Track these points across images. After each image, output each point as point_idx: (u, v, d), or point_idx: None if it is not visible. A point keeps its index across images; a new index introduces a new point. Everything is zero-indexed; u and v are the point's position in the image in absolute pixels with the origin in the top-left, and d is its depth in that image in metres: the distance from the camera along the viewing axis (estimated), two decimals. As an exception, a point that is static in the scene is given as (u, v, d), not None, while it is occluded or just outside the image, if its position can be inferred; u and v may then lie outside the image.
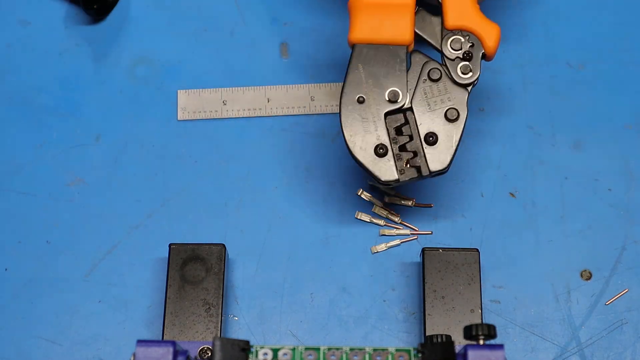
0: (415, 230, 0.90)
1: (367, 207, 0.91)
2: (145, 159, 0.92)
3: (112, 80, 0.95)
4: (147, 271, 0.88)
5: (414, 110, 0.81)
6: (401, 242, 0.89)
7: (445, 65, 0.81)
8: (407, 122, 0.81)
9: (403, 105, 0.81)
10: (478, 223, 0.90)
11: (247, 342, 0.74)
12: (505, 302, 0.88)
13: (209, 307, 0.83)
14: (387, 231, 0.90)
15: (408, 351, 0.75)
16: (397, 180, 0.81)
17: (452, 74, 0.81)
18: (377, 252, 0.89)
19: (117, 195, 0.91)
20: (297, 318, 0.87)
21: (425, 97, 0.81)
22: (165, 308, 0.83)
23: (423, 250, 0.85)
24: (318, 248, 0.89)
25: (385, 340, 0.86)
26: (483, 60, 0.82)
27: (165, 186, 0.91)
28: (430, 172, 0.81)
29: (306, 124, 0.93)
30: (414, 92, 0.81)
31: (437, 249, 0.85)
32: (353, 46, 0.82)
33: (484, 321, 0.85)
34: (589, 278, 0.88)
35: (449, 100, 0.81)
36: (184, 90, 0.94)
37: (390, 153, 0.81)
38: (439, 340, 0.75)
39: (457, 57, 0.81)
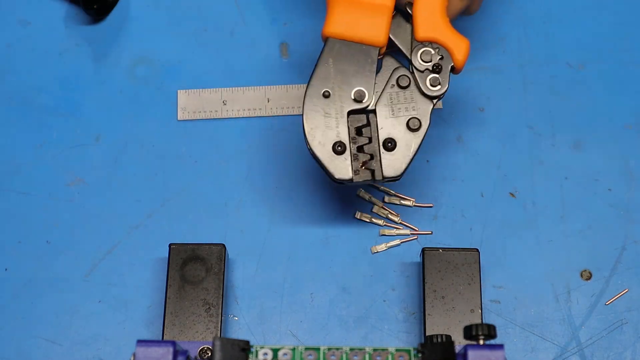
0: (415, 230, 0.90)
1: (367, 207, 0.91)
2: (145, 159, 0.92)
3: (112, 80, 0.95)
4: (147, 271, 0.88)
5: (377, 114, 0.81)
6: (401, 242, 0.89)
7: (414, 76, 0.81)
8: (368, 124, 0.81)
9: (367, 106, 0.81)
10: (478, 223, 0.90)
11: (247, 342, 0.74)
12: (505, 302, 0.87)
13: (209, 307, 0.83)
14: (387, 231, 0.90)
15: (408, 351, 0.75)
16: (350, 180, 0.80)
17: (420, 85, 0.81)
18: (377, 252, 0.89)
19: (117, 195, 0.91)
20: (297, 318, 0.87)
21: (391, 102, 0.81)
22: (165, 308, 0.83)
23: (423, 250, 0.85)
24: (318, 248, 0.89)
25: (385, 340, 0.86)
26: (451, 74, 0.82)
27: (165, 186, 0.91)
28: (383, 177, 0.81)
29: (306, 124, 0.93)
30: (380, 95, 0.81)
31: (437, 249, 0.85)
32: (326, 39, 0.81)
33: (484, 321, 0.85)
34: (589, 278, 0.88)
35: (413, 110, 0.81)
36: (184, 90, 0.94)
37: (347, 152, 0.80)
38: (439, 340, 0.75)
39: (427, 69, 0.81)
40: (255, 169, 0.92)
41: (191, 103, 0.94)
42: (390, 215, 0.90)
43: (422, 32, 0.81)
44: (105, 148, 0.92)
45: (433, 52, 0.81)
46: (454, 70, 0.81)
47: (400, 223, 0.90)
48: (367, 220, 0.90)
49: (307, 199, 0.91)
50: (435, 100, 0.81)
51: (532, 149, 0.92)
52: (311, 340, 0.86)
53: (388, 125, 0.81)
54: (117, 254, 0.89)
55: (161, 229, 0.90)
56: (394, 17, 0.81)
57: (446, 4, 0.81)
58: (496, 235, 0.90)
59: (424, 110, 0.81)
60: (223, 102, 0.94)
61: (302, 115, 0.80)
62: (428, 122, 0.81)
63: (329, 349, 0.74)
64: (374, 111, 0.81)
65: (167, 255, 0.85)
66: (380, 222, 0.90)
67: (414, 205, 0.91)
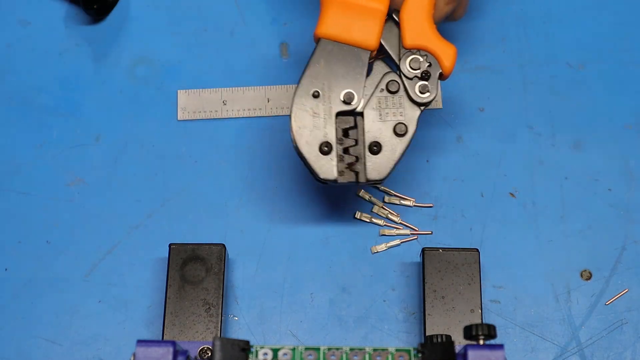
0: (415, 230, 0.90)
1: (367, 207, 0.91)
2: (145, 159, 0.92)
3: (112, 80, 0.95)
4: (147, 271, 0.88)
5: (365, 117, 0.81)
6: (401, 242, 0.89)
7: (403, 82, 0.82)
8: (355, 126, 0.82)
9: (356, 108, 0.81)
10: (478, 223, 0.90)
11: (247, 342, 0.74)
12: (505, 302, 0.88)
13: (209, 307, 0.83)
14: (387, 231, 0.90)
15: (408, 351, 0.75)
16: (334, 181, 0.81)
17: (410, 92, 0.82)
18: (377, 252, 0.89)
19: (117, 195, 0.91)
20: (297, 318, 0.87)
21: (379, 106, 0.82)
22: (165, 308, 0.83)
23: (423, 250, 0.85)
24: (318, 248, 0.89)
25: (385, 340, 0.86)
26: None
27: (165, 186, 0.91)
28: (367, 180, 0.81)
29: (306, 124, 0.93)
30: (369, 98, 0.82)
31: (437, 249, 0.85)
32: (318, 40, 0.82)
33: (484, 321, 0.85)
34: (589, 278, 0.88)
35: (401, 115, 0.82)
36: (184, 90, 0.94)
37: (334, 152, 0.81)
38: (439, 340, 0.75)
39: (416, 76, 0.82)
40: (255, 169, 0.92)
41: (191, 103, 0.94)
42: (390, 215, 0.90)
43: (409, 40, 0.82)
44: (105, 148, 0.92)
45: (421, 59, 0.82)
46: (441, 76, 0.82)
47: (400, 223, 0.90)
48: (367, 220, 0.90)
49: (307, 199, 0.91)
50: (422, 107, 0.82)
51: (532, 149, 0.92)
52: (311, 340, 0.86)
53: (375, 128, 0.81)
54: (117, 254, 0.89)
55: (161, 229, 0.90)
56: (385, 22, 0.82)
57: (433, 11, 0.82)
58: (496, 235, 0.90)
59: (411, 116, 0.82)
60: (223, 102, 0.94)
61: (290, 114, 0.81)
62: (414, 128, 0.82)
63: (329, 349, 0.74)
64: (361, 114, 0.82)
65: (167, 255, 0.85)
66: (380, 222, 0.90)
67: (414, 205, 0.91)
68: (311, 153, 0.81)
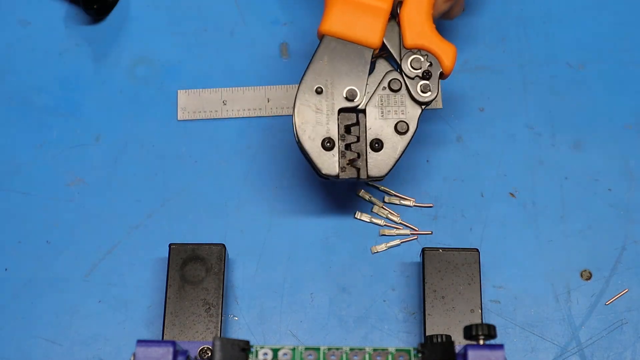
0: (415, 230, 0.90)
1: (367, 207, 0.91)
2: (145, 159, 0.92)
3: (112, 80, 0.95)
4: (147, 271, 0.88)
5: (367, 114, 0.82)
6: (401, 242, 0.89)
7: (405, 82, 0.82)
8: (357, 123, 0.82)
9: (358, 105, 0.82)
10: (478, 223, 0.90)
11: (247, 342, 0.74)
12: (505, 302, 0.88)
13: (209, 307, 0.83)
14: (387, 231, 0.90)
15: (408, 351, 0.75)
16: (336, 176, 0.82)
17: (411, 91, 0.82)
18: (377, 252, 0.89)
19: (117, 195, 0.91)
20: (297, 318, 0.87)
21: (381, 104, 0.82)
22: (165, 308, 0.83)
23: (423, 250, 0.85)
24: (318, 248, 0.89)
25: (385, 340, 0.86)
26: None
27: (165, 186, 0.91)
28: (368, 176, 0.82)
29: (306, 124, 0.93)
30: (371, 96, 0.82)
31: (437, 249, 0.85)
32: (322, 37, 0.82)
33: (484, 321, 0.85)
34: (589, 278, 0.88)
35: (402, 114, 0.82)
36: (184, 90, 0.94)
37: (336, 148, 0.82)
38: (439, 340, 0.75)
39: (417, 75, 0.82)
40: (255, 169, 0.92)
41: (191, 103, 0.94)
42: (390, 215, 0.90)
43: (410, 40, 0.82)
44: (105, 148, 0.92)
45: (422, 59, 0.82)
46: (442, 76, 0.83)
47: (400, 223, 0.90)
48: (367, 220, 0.90)
49: (307, 199, 0.91)
50: (424, 106, 0.82)
51: (532, 149, 0.92)
52: (311, 340, 0.86)
53: (376, 126, 0.82)
54: (117, 254, 0.89)
55: (161, 229, 0.90)
56: (389, 20, 0.82)
57: (432, 11, 0.82)
58: (496, 235, 0.90)
59: (412, 115, 0.82)
60: (223, 102, 0.94)
61: (294, 109, 0.81)
62: (415, 126, 0.82)
63: (329, 349, 0.74)
64: (364, 111, 0.82)
65: (167, 255, 0.85)
66: (380, 222, 0.90)
67: (414, 205, 0.91)
68: (313, 148, 0.81)
